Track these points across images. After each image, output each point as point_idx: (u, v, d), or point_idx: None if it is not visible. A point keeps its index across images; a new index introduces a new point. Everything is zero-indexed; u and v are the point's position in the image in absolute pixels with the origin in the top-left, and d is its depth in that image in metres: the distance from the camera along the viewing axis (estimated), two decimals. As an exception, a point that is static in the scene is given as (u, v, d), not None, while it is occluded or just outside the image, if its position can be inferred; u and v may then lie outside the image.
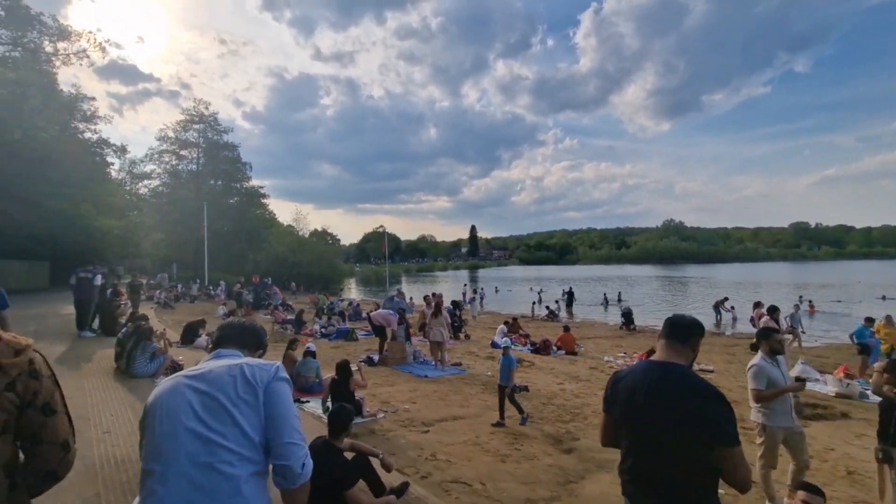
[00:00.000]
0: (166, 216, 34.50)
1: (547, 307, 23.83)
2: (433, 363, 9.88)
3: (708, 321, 20.98)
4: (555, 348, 12.03)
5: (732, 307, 21.42)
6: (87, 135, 27.17)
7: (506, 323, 14.28)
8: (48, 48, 8.66)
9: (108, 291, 11.61)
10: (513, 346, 13.18)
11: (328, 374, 7.27)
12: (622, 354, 12.10)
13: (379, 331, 10.33)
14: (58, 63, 9.05)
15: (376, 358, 10.33)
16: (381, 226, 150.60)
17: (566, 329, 12.62)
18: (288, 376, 1.64)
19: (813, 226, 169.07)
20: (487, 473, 4.57)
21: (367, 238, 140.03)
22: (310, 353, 7.31)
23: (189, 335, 11.13)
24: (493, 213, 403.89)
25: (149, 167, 37.37)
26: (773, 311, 8.85)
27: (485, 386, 8.32)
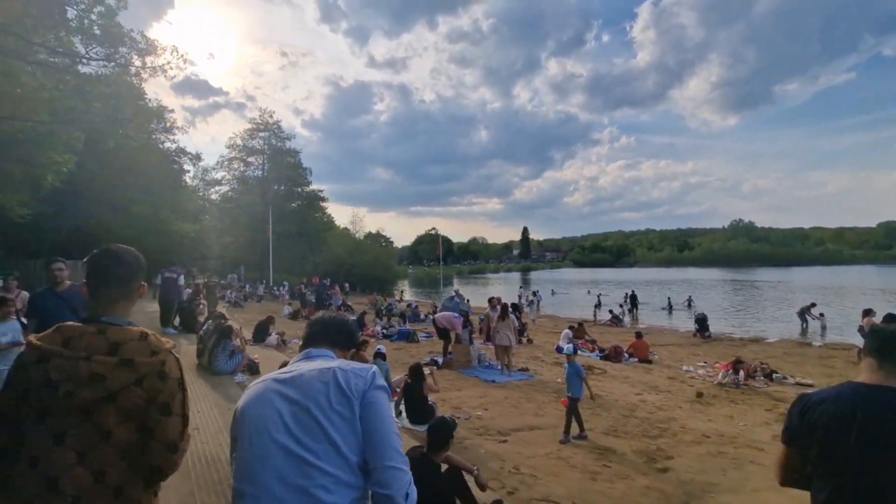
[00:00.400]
0: (235, 220, 36.60)
1: (610, 311, 22.75)
2: (499, 367, 9.57)
3: (793, 329, 19.24)
4: (626, 355, 11.33)
5: (821, 314, 19.44)
6: (167, 144, 29.31)
7: (571, 327, 13.68)
8: (137, 62, 9.37)
9: (189, 291, 12.31)
10: (580, 353, 12.69)
11: (396, 375, 7.20)
12: (702, 364, 11.19)
13: (443, 333, 10.18)
14: (144, 75, 9.77)
15: (440, 360, 10.18)
16: (434, 228, 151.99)
17: (638, 335, 11.86)
18: (386, 383, 1.43)
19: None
20: (578, 492, 4.23)
21: (420, 240, 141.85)
22: (380, 356, 7.24)
23: (260, 333, 11.50)
24: (545, 215, 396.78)
25: (219, 174, 39.88)
26: (893, 318, 7.78)
27: (557, 394, 7.90)
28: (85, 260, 1.48)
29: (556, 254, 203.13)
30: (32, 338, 1.32)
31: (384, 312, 20.67)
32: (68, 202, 21.80)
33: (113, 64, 9.85)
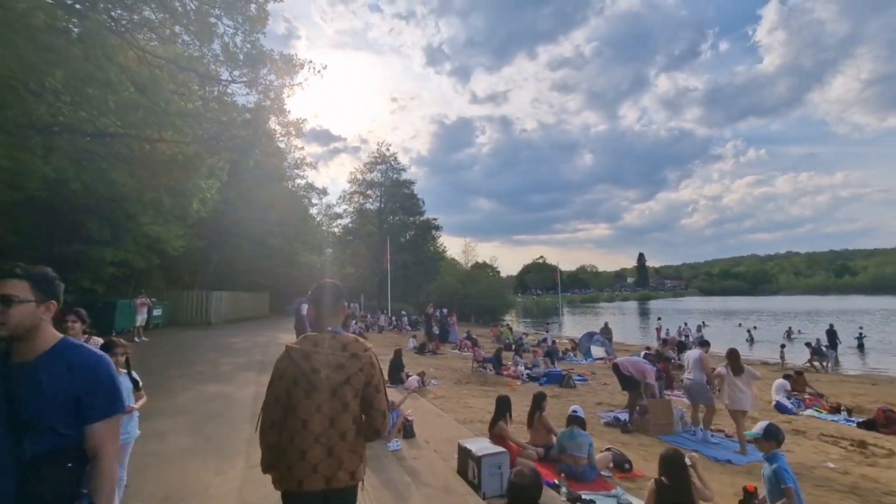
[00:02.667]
0: (355, 251, 37.71)
1: (812, 347, 17.30)
2: (712, 435, 6.89)
3: None
4: (903, 424, 7.80)
5: None
6: (298, 181, 31.14)
7: (787, 376, 10.31)
8: (276, 83, 9.19)
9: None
10: (813, 413, 9.32)
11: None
12: None
13: (628, 384, 7.79)
14: (285, 93, 9.62)
15: (624, 418, 7.78)
16: (542, 256, 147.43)
17: None
18: None
19: None
20: None
21: (527, 269, 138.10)
22: (577, 421, 5.20)
23: (395, 372, 10.12)
24: (659, 240, 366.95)
25: (341, 208, 41.80)
26: None
27: (851, 491, 5.10)
28: (310, 292, 2.20)
29: (677, 281, 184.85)
30: (291, 343, 2.03)
31: (514, 347, 18.63)
32: (215, 237, 23.53)
33: (255, 91, 9.62)
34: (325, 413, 1.88)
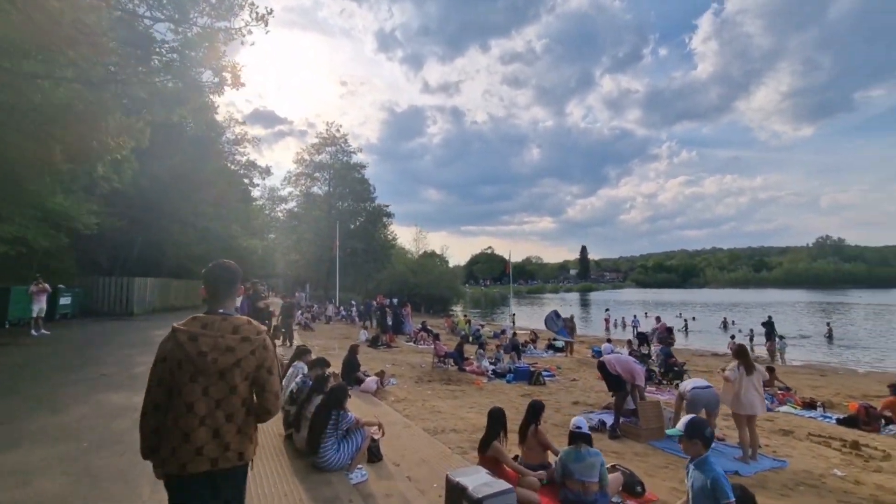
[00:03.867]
0: (301, 237, 35.41)
1: (778, 336, 18.00)
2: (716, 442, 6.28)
3: None
4: (882, 420, 7.61)
5: None
6: (238, 157, 28.47)
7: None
8: (208, 26, 7.56)
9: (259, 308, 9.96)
10: (788, 410, 9.09)
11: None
12: None
13: (616, 383, 7.04)
14: (221, 46, 7.90)
15: (609, 422, 7.05)
16: (490, 247, 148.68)
17: (895, 390, 8.13)
18: None
19: None
20: None
21: (475, 259, 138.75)
22: (583, 439, 4.27)
23: (349, 372, 8.86)
24: (599, 234, 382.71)
25: (286, 190, 39.12)
26: None
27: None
28: (204, 271, 2.09)
29: (615, 274, 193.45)
30: (176, 324, 1.94)
31: (471, 340, 17.82)
32: (140, 216, 20.82)
33: (180, 31, 7.85)
34: (211, 396, 1.87)
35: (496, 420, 4.40)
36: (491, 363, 11.95)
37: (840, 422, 7.84)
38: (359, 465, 4.17)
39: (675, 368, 11.19)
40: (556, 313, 16.43)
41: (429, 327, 19.57)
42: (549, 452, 4.83)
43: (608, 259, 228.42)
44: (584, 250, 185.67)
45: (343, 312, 28.00)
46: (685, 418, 3.32)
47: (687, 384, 6.70)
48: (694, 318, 34.73)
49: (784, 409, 8.83)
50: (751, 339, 21.36)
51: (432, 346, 16.72)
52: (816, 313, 41.94)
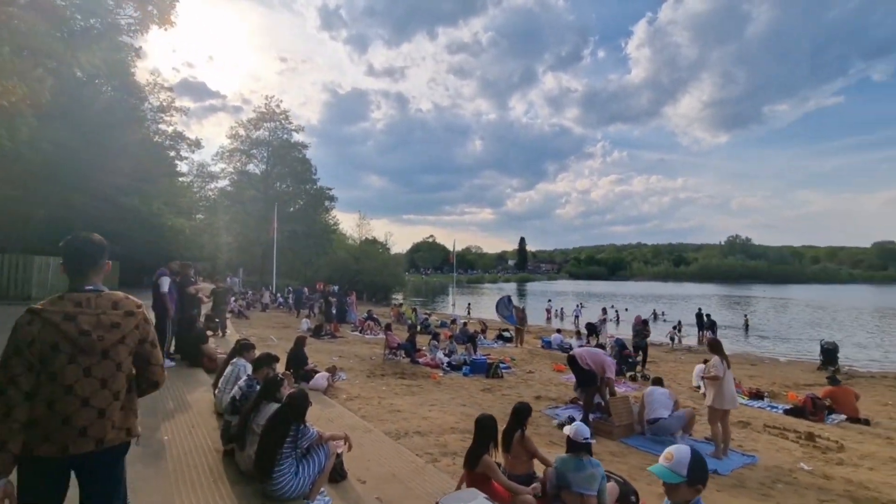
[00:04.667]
0: (234, 217, 32.80)
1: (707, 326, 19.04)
2: (687, 438, 6.16)
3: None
4: (826, 410, 7.97)
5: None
6: (163, 126, 25.64)
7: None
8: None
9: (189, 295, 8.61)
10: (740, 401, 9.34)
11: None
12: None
13: (586, 378, 6.77)
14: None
15: (577, 417, 6.79)
16: (432, 236, 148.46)
17: (834, 380, 8.60)
18: None
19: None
20: None
21: (417, 248, 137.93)
22: (584, 448, 3.82)
23: (296, 366, 7.97)
24: (536, 226, 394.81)
25: (218, 166, 35.97)
26: None
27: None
28: (62, 244, 1.88)
29: (550, 265, 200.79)
30: (36, 305, 1.77)
31: (419, 330, 17.29)
32: (41, 187, 18.06)
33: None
34: (94, 375, 1.79)
35: (486, 430, 3.84)
36: (445, 355, 11.46)
37: (787, 412, 8.16)
38: (321, 490, 3.46)
39: (630, 360, 11.33)
40: (508, 298, 16.31)
41: (375, 316, 18.76)
42: (534, 461, 4.37)
43: (544, 251, 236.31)
44: (522, 242, 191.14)
45: (280, 300, 26.36)
46: (680, 454, 1.99)
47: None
48: (626, 309, 36.49)
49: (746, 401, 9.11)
50: (678, 330, 22.54)
51: (379, 336, 16.02)
52: (732, 306, 45.71)
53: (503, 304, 16.89)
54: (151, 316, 5.76)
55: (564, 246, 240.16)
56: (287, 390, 3.82)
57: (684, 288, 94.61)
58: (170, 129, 25.72)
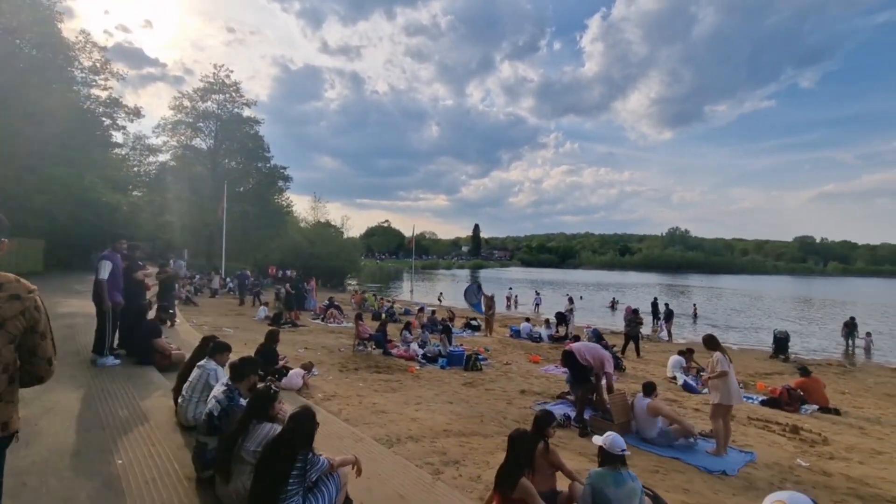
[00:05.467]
0: (178, 195, 30.26)
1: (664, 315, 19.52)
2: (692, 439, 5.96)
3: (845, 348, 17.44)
4: (800, 402, 8.19)
5: (868, 334, 17.75)
6: (95, 91, 22.97)
7: (681, 353, 10.53)
8: None
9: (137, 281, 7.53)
10: (702, 390, 9.47)
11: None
12: None
13: (579, 374, 6.48)
14: None
15: (572, 415, 6.53)
16: (387, 220, 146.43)
17: (805, 371, 8.86)
18: None
19: (818, 240, 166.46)
20: None
21: (371, 232, 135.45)
22: (619, 461, 3.45)
23: (269, 364, 7.18)
24: (489, 214, 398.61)
25: (160, 139, 32.96)
26: None
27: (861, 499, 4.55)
28: None
29: (503, 252, 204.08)
30: None
31: (384, 318, 16.67)
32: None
33: None
34: None
35: (523, 447, 3.38)
36: (420, 346, 10.94)
37: (764, 403, 8.33)
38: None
39: (610, 350, 11.28)
40: (477, 286, 15.97)
41: (338, 304, 17.88)
42: (557, 474, 3.97)
43: (497, 238, 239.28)
44: (476, 228, 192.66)
45: (231, 284, 24.70)
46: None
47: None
48: (581, 297, 37.39)
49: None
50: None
51: (344, 325, 15.24)
52: (677, 294, 48.11)
53: (471, 292, 16.53)
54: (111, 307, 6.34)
55: (517, 233, 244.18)
56: (283, 406, 3.18)
57: (629, 276, 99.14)
58: (104, 95, 23.05)
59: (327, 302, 17.85)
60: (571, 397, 7.14)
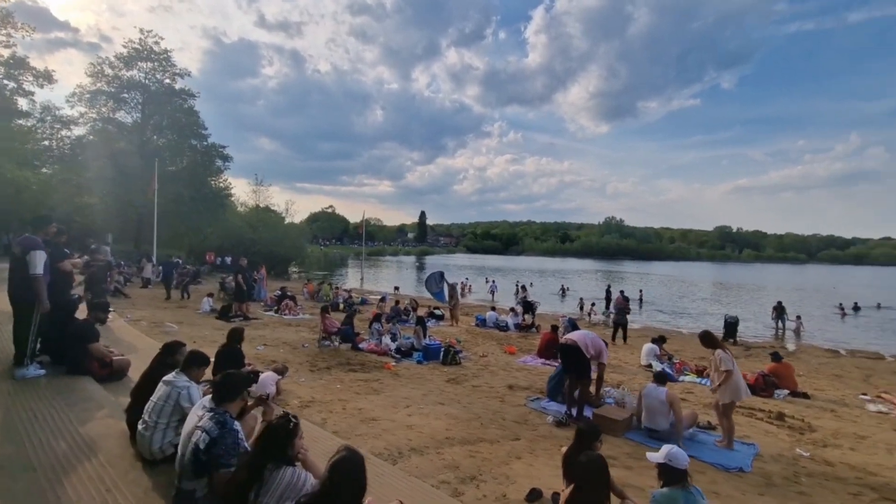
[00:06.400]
0: (99, 174, 26.99)
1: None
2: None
3: (789, 333, 18.75)
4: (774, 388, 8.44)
5: (798, 317, 19.23)
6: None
7: (654, 340, 10.62)
8: None
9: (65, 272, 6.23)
10: (684, 379, 9.59)
11: None
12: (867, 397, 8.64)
13: (576, 365, 6.15)
14: None
15: (574, 413, 6.22)
16: (331, 206, 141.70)
17: (776, 357, 9.14)
18: None
19: (735, 230, 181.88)
20: None
21: (315, 218, 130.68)
22: (685, 477, 3.08)
23: (232, 367, 6.24)
24: (434, 201, 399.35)
25: (76, 109, 29.13)
26: None
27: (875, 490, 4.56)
28: None
29: (449, 239, 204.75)
30: None
31: (342, 308, 15.81)
32: None
33: None
34: None
35: (599, 477, 2.90)
36: (392, 340, 10.27)
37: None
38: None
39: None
40: (440, 274, 15.40)
41: (291, 293, 16.68)
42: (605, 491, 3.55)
43: (442, 225, 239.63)
44: (423, 215, 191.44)
45: (155, 274, 22.44)
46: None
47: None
48: (531, 284, 37.98)
49: (687, 378, 9.38)
50: (592, 306, 23.79)
51: (300, 317, 14.18)
52: (615, 280, 50.29)
53: (433, 280, 15.94)
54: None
55: (461, 220, 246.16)
56: (302, 443, 2.48)
57: (569, 263, 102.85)
58: (6, 54, 19.80)
59: (279, 292, 16.60)
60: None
